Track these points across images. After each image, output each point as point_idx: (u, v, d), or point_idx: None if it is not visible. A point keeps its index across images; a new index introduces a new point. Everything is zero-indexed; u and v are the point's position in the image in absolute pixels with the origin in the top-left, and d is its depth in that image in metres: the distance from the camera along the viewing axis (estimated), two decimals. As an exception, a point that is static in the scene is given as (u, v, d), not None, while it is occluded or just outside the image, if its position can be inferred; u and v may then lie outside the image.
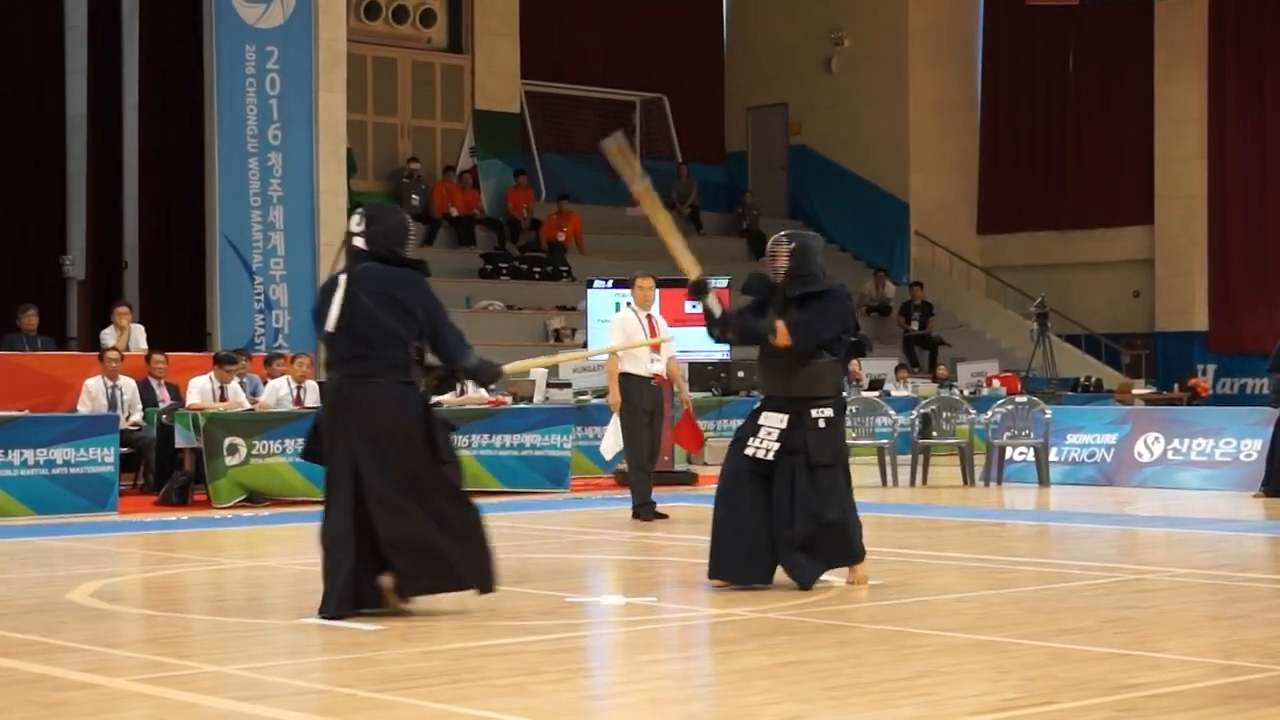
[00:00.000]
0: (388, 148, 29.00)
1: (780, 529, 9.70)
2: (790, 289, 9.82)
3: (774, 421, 9.79)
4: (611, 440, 14.69)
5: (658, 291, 15.01)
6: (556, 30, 31.29)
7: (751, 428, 9.86)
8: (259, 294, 21.91)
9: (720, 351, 19.32)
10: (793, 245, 9.89)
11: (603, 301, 18.72)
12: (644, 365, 14.45)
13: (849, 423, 18.83)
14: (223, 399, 16.96)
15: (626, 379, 14.42)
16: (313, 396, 17.52)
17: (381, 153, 28.93)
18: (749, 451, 9.77)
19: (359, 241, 8.98)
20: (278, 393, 17.44)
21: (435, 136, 29.51)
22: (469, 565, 8.87)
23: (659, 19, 32.50)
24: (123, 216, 22.72)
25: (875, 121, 31.91)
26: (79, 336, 22.12)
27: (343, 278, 8.98)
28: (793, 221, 33.26)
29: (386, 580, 8.80)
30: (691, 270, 10.03)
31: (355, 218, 9.09)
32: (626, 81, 32.10)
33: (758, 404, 10.01)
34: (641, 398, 14.42)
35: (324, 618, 8.68)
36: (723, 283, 19.18)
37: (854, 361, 25.47)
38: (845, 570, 10.00)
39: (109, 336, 19.22)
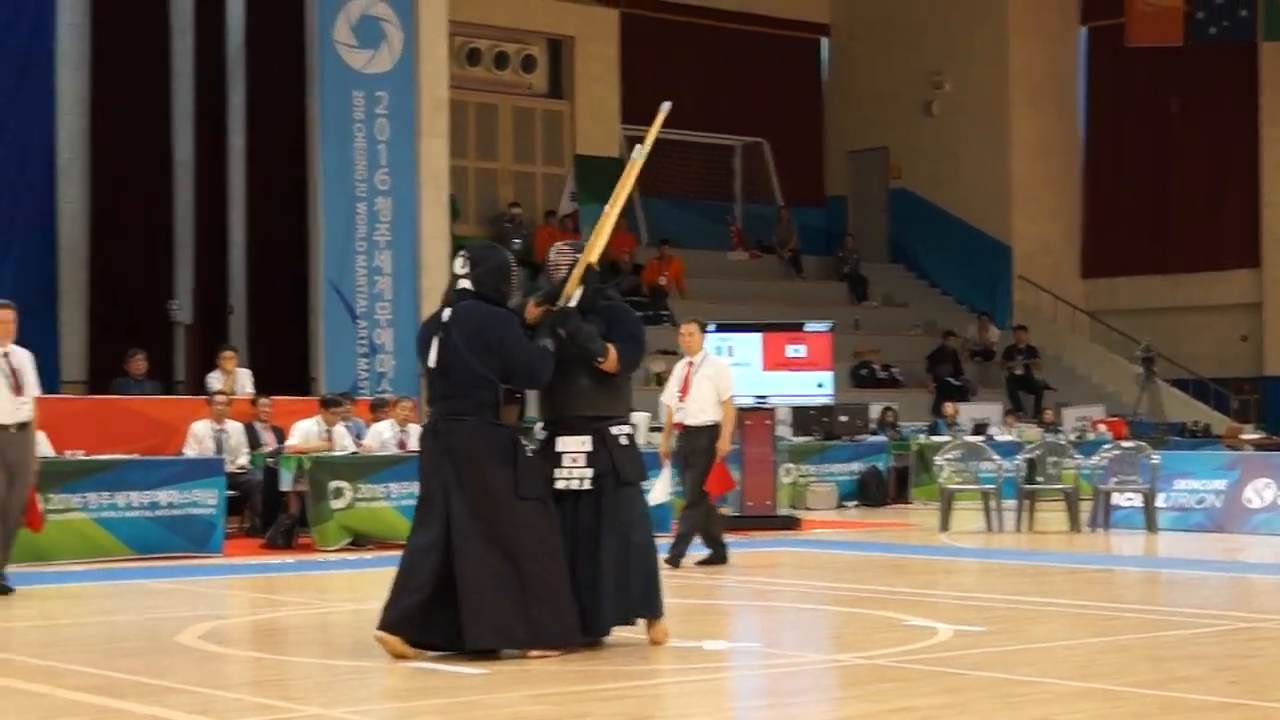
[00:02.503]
0: (489, 193, 29.17)
1: (585, 558, 9.19)
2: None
3: (575, 446, 9.32)
4: (662, 488, 14.44)
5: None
6: (657, 75, 31.38)
7: (551, 458, 9.27)
8: (363, 338, 22.06)
9: (823, 396, 19.24)
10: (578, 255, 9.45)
11: (705, 346, 18.66)
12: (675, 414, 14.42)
13: (951, 467, 18.90)
14: (328, 442, 17.07)
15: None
16: (416, 440, 17.60)
17: (483, 198, 29.10)
18: (560, 485, 9.25)
19: (464, 283, 9.13)
20: (381, 436, 17.53)
21: (536, 181, 29.66)
22: (528, 623, 8.83)
23: (759, 63, 32.54)
24: (229, 261, 22.96)
25: (976, 165, 31.77)
26: (186, 380, 22.33)
27: (446, 312, 9.12)
28: (894, 266, 33.19)
29: (391, 639, 8.84)
30: (588, 262, 9.42)
31: (460, 259, 9.23)
32: (727, 126, 32.16)
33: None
34: (677, 446, 14.35)
35: (379, 628, 8.85)
36: (825, 327, 19.11)
37: (949, 404, 25.35)
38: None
39: (214, 380, 19.40)
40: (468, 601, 8.77)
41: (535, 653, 8.83)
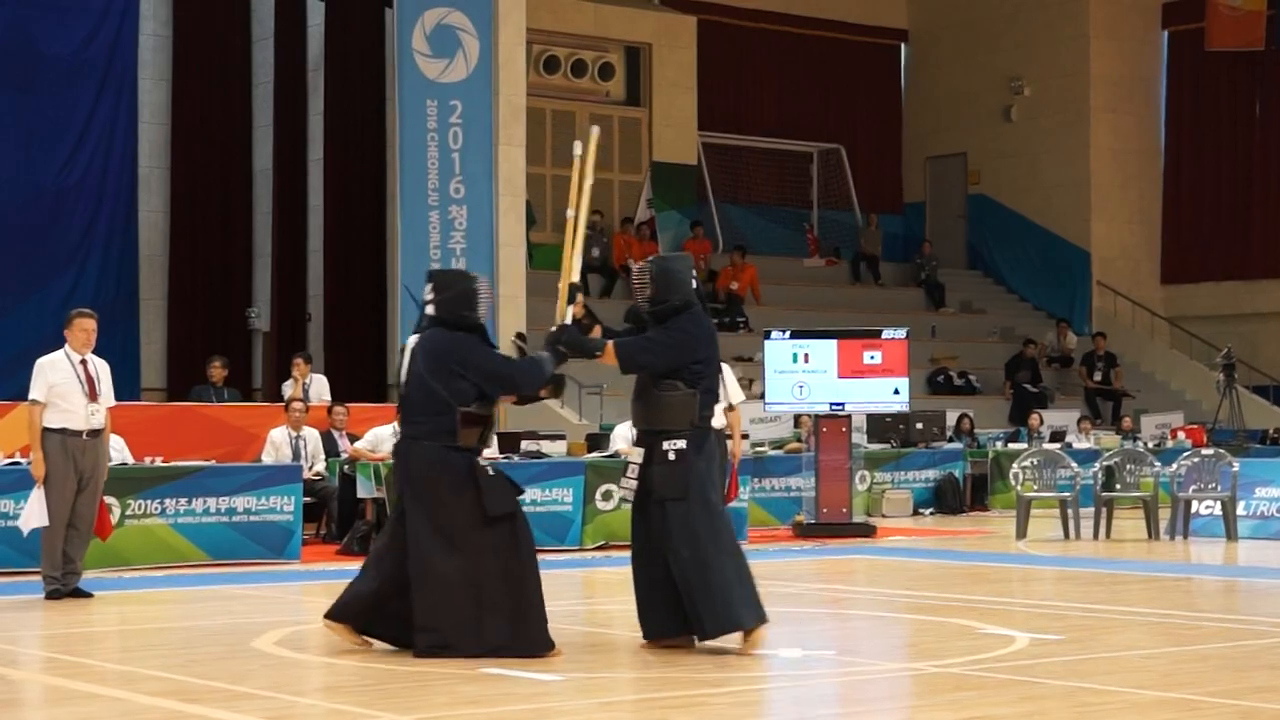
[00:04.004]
0: (566, 201, 29.15)
1: (644, 567, 9.38)
2: (651, 313, 9.55)
3: (635, 458, 9.50)
4: None
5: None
6: (734, 82, 31.39)
7: (625, 467, 9.61)
8: (439, 345, 22.12)
9: (899, 403, 19.18)
10: (653, 270, 9.57)
11: (780, 352, 18.65)
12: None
13: (1028, 474, 18.79)
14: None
15: None
16: (491, 448, 17.65)
17: (560, 205, 29.05)
18: (621, 494, 9.50)
19: (429, 309, 9.41)
20: (456, 443, 17.55)
21: (613, 188, 29.69)
22: (479, 634, 9.04)
23: (837, 70, 32.47)
24: (307, 269, 23.12)
25: (1056, 170, 31.58)
26: (263, 388, 22.50)
27: (413, 339, 9.45)
28: (971, 272, 33.04)
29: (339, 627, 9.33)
30: (568, 279, 9.57)
31: (427, 285, 9.46)
32: (804, 132, 32.11)
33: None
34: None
35: (326, 616, 9.36)
36: (902, 333, 19.05)
37: (1035, 414, 25.20)
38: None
39: (287, 387, 19.53)
40: (420, 608, 9.09)
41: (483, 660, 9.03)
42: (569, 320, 9.49)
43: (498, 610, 9.09)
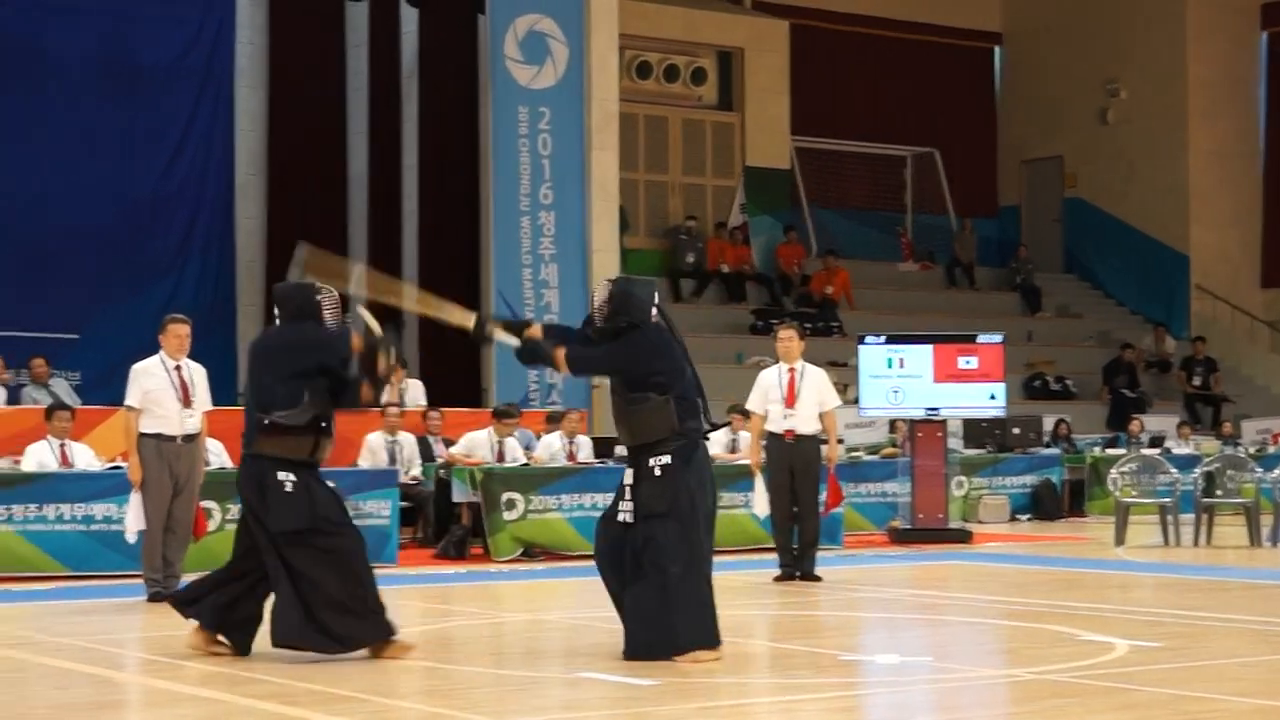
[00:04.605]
0: (659, 205, 29.25)
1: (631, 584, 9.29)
2: (599, 329, 9.52)
3: (628, 478, 9.39)
4: (762, 500, 14.33)
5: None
6: (827, 86, 31.27)
7: (620, 490, 9.45)
8: (532, 350, 22.17)
9: (995, 408, 19.05)
10: (613, 289, 9.55)
11: (874, 357, 18.57)
12: (777, 422, 14.24)
13: (1126, 480, 18.61)
14: (500, 455, 17.20)
15: (769, 436, 14.23)
16: (585, 451, 17.70)
17: (653, 210, 29.18)
18: (621, 518, 9.33)
19: (277, 323, 9.65)
20: (551, 448, 17.63)
21: (706, 193, 29.68)
22: (317, 633, 9.22)
23: (931, 73, 32.30)
24: (401, 274, 23.21)
25: (1153, 173, 31.28)
26: (360, 392, 22.60)
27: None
28: (1067, 277, 32.79)
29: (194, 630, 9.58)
30: (464, 320, 9.68)
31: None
32: (898, 136, 31.96)
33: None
34: (779, 455, 14.17)
35: (163, 599, 9.93)
36: (998, 338, 18.92)
37: (1135, 420, 24.97)
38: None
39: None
40: (275, 607, 9.33)
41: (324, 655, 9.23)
42: (511, 341, 9.60)
43: (326, 607, 9.24)
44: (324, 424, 9.45)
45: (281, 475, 9.28)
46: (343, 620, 9.23)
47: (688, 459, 9.30)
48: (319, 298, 9.51)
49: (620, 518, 9.32)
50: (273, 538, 9.25)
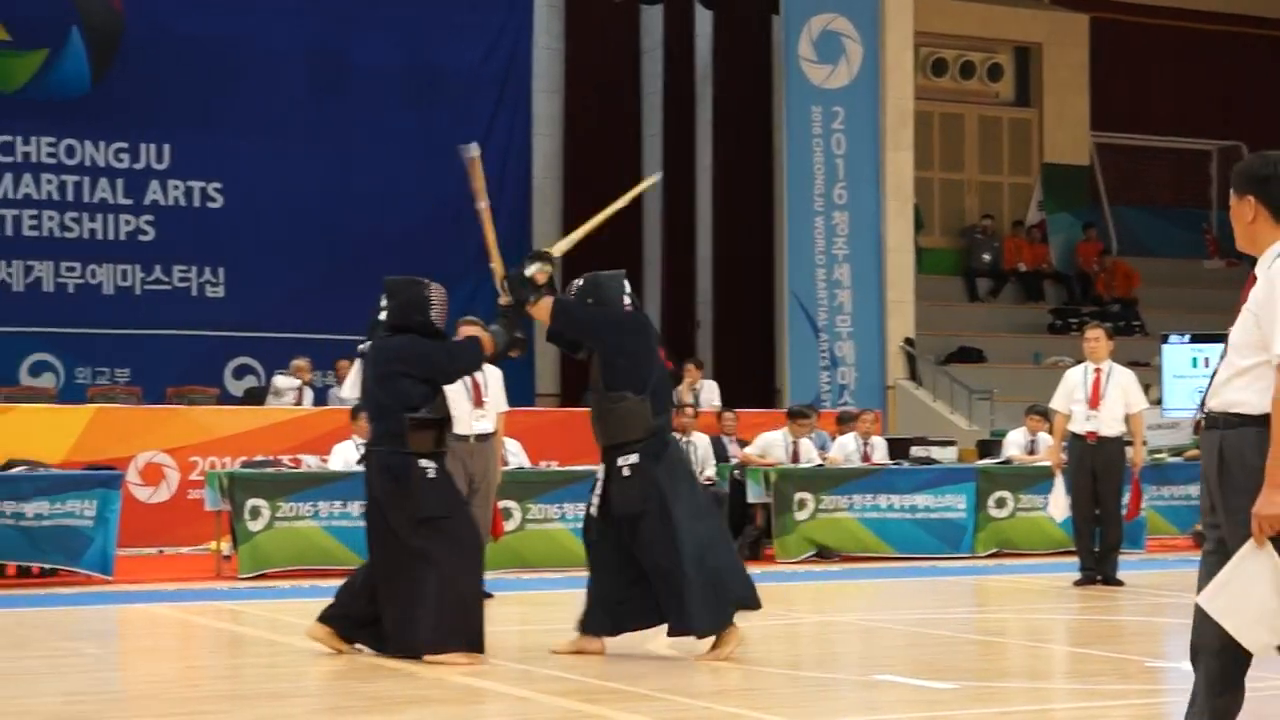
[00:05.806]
0: (954, 204, 28.93)
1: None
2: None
3: (600, 474, 9.54)
4: (1059, 503, 14.00)
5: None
6: (1128, 80, 30.61)
7: (592, 485, 9.66)
8: (824, 351, 22.14)
9: (1192, 410, 18.33)
10: (584, 281, 9.99)
11: (1179, 357, 18.14)
12: (1080, 423, 13.88)
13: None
14: (795, 455, 17.19)
15: (1071, 437, 13.92)
16: (880, 453, 17.59)
17: (948, 209, 28.88)
18: (590, 511, 9.56)
19: (383, 315, 9.64)
20: (846, 448, 17.55)
21: (1002, 191, 29.28)
22: (435, 630, 9.20)
23: (1237, 64, 31.40)
24: (695, 275, 23.36)
25: None
26: (656, 392, 22.79)
27: (365, 346, 9.81)
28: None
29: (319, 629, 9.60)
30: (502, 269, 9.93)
31: (382, 295, 9.74)
32: (1202, 130, 31.13)
33: None
34: (1081, 457, 13.83)
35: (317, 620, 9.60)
36: None
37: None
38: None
39: (677, 393, 19.75)
40: (387, 615, 9.36)
41: (439, 658, 9.14)
42: (537, 282, 9.80)
43: (448, 609, 9.24)
44: (445, 417, 9.75)
45: (424, 463, 9.45)
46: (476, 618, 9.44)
47: (658, 456, 9.43)
48: (428, 293, 9.75)
49: (590, 511, 9.60)
50: (414, 526, 9.31)
